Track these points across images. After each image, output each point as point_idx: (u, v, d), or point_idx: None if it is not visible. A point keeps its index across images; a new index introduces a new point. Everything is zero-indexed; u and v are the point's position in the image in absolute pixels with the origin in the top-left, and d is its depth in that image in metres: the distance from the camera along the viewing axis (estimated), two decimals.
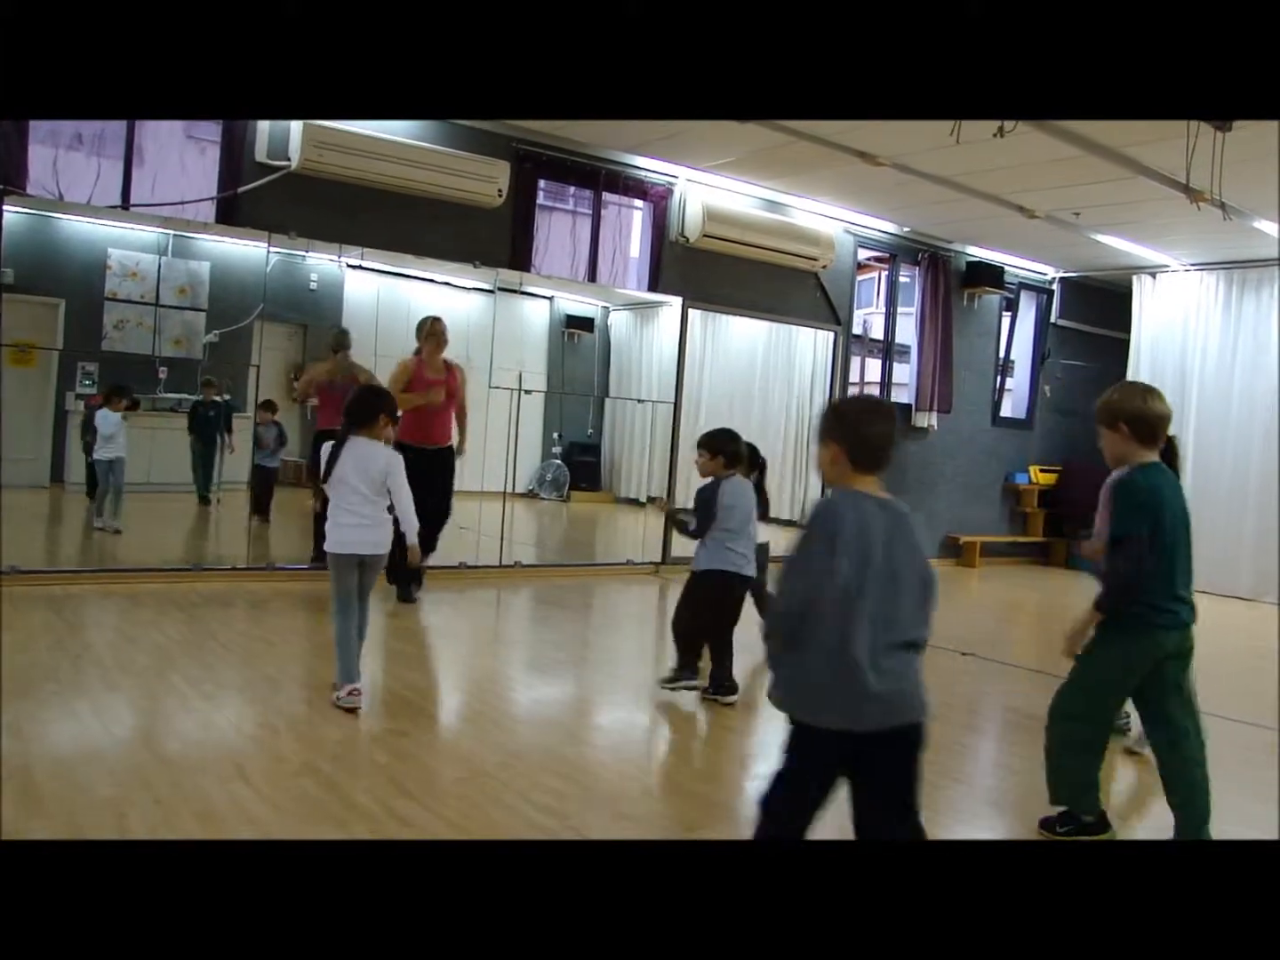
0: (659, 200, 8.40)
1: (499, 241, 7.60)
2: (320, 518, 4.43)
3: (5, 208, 5.76)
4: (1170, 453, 3.44)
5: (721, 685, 4.59)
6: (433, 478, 5.96)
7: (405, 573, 5.86)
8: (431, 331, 6.26)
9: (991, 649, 6.19)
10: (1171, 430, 3.19)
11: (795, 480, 9.93)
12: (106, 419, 6.67)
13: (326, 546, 4.05)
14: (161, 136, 10.83)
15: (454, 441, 6.24)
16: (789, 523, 9.94)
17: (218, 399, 7.19)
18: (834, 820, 2.27)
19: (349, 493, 3.99)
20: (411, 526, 4.14)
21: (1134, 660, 3.12)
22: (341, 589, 4.04)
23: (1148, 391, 3.14)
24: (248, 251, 6.80)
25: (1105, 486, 3.22)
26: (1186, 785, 3.13)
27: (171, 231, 6.91)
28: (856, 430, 2.29)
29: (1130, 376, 10.34)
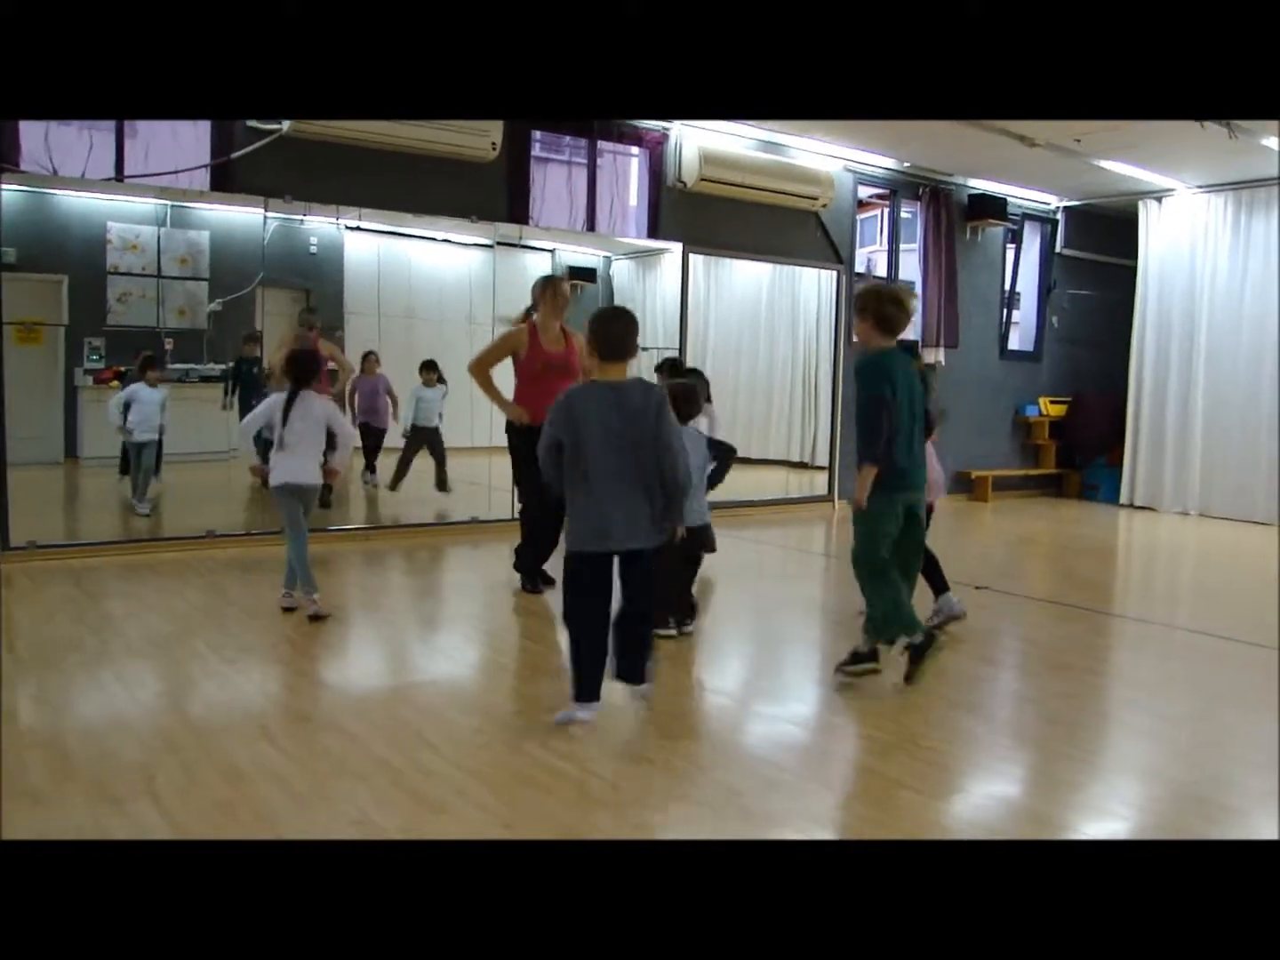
0: (654, 146, 8.33)
1: (496, 195, 7.56)
2: None
3: (3, 186, 5.75)
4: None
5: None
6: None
7: (532, 559, 5.52)
8: (555, 291, 5.35)
9: (1005, 582, 6.21)
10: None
11: (804, 420, 9.92)
12: (146, 395, 6.57)
13: (272, 481, 4.72)
14: None
15: None
16: (799, 464, 9.96)
17: (259, 355, 7.02)
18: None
19: (295, 437, 4.65)
20: (345, 456, 4.95)
21: (893, 511, 3.85)
22: (290, 517, 4.72)
23: (892, 292, 3.89)
24: (246, 218, 6.78)
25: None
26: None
27: (169, 202, 6.88)
28: (596, 330, 3.26)
29: (1138, 303, 10.25)
